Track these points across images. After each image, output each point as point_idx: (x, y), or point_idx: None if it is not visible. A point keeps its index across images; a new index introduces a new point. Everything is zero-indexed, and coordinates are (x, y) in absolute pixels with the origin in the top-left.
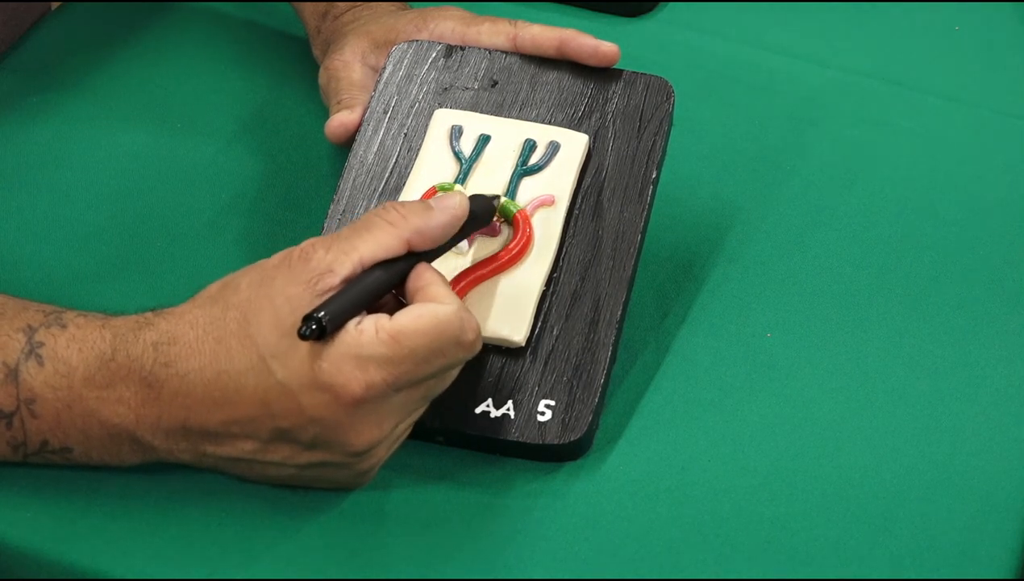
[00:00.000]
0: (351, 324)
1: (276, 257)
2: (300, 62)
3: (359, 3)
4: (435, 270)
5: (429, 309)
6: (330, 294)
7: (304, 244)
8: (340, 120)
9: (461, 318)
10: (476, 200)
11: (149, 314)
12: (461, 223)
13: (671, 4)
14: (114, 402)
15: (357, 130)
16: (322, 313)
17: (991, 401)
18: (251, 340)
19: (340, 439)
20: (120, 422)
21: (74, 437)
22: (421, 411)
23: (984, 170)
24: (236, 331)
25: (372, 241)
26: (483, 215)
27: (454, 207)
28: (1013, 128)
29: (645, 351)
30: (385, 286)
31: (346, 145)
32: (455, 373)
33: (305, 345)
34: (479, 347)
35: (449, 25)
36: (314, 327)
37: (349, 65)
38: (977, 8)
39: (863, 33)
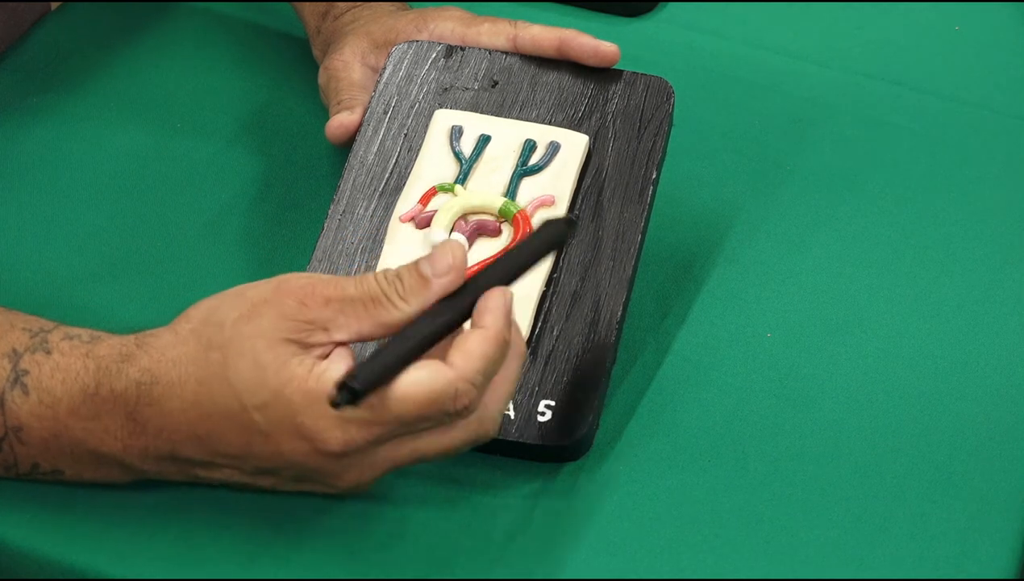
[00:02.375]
0: (334, 378)
1: (264, 288)
2: (300, 62)
3: (359, 3)
4: (497, 312)
5: (426, 377)
6: (319, 350)
7: (302, 282)
8: (340, 121)
9: (456, 389)
10: (551, 226)
11: (131, 342)
12: (461, 281)
13: (671, 4)
14: (100, 432)
15: (357, 131)
16: (356, 383)
17: (991, 401)
18: (232, 388)
19: (322, 480)
20: (108, 451)
21: (63, 462)
22: (413, 464)
23: (984, 170)
24: (217, 374)
25: (374, 320)
26: (558, 239)
27: (449, 278)
28: (1013, 128)
29: (645, 351)
30: (427, 345)
31: (346, 146)
32: (459, 449)
33: (287, 397)
34: (468, 415)
35: (449, 25)
36: (344, 396)
37: (349, 65)
38: (977, 8)
39: (863, 33)
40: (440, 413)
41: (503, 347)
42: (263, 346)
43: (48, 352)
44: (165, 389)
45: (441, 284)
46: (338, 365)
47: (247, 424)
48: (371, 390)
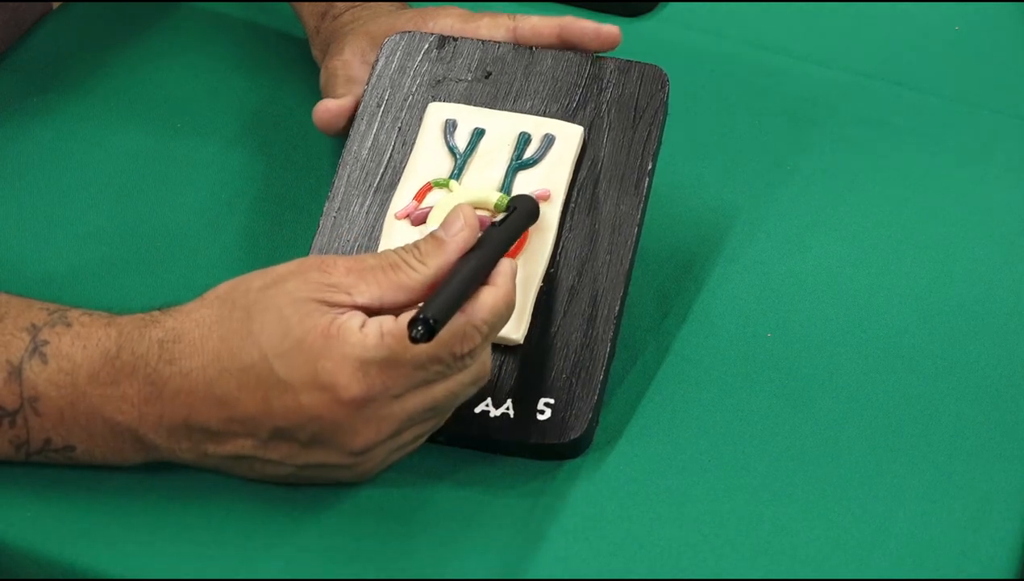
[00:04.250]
0: (355, 325)
1: (290, 263)
2: (300, 62)
3: (358, 3)
4: (507, 275)
5: None
6: (340, 310)
7: (326, 257)
8: (326, 105)
9: (464, 332)
10: (522, 200)
11: (156, 312)
12: (475, 238)
13: (671, 4)
14: (118, 399)
15: (349, 122)
16: (429, 315)
17: (991, 401)
18: (254, 338)
19: (338, 439)
20: (123, 420)
21: (77, 435)
22: (430, 424)
23: (984, 170)
24: (239, 329)
25: (394, 283)
26: (533, 211)
27: (463, 234)
28: (1013, 128)
29: (645, 351)
30: (479, 282)
31: (335, 133)
32: (465, 391)
33: (309, 343)
34: (470, 363)
35: (448, 23)
36: (420, 330)
37: (349, 64)
38: (977, 8)
39: (863, 33)
40: (449, 354)
41: (510, 307)
42: (287, 302)
43: (68, 325)
44: (187, 346)
45: (457, 242)
46: (356, 319)
47: (266, 376)
48: (445, 322)
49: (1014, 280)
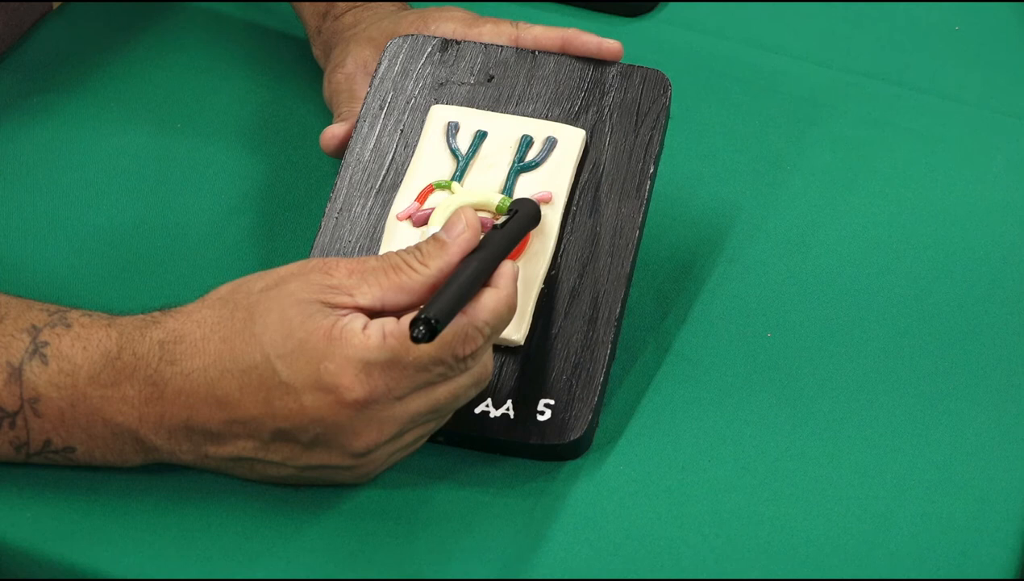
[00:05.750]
0: (358, 327)
1: (292, 265)
2: (300, 62)
3: (359, 3)
4: (508, 277)
5: None
6: (343, 311)
7: (328, 259)
8: (332, 132)
9: (467, 333)
10: (524, 204)
11: (156, 313)
12: (477, 240)
13: (671, 4)
14: (118, 401)
15: (352, 132)
16: (431, 315)
17: (991, 401)
18: (256, 339)
19: (340, 440)
20: (124, 421)
21: (77, 436)
22: (431, 426)
23: (984, 170)
24: (241, 330)
25: (396, 285)
26: (535, 215)
27: (464, 236)
28: (1013, 128)
29: (645, 351)
30: (481, 284)
31: (339, 155)
32: (467, 393)
33: (312, 345)
34: (472, 365)
35: (450, 27)
36: (422, 330)
37: (351, 77)
38: (977, 8)
39: (863, 33)
40: (451, 356)
41: (511, 310)
42: (289, 303)
43: (68, 326)
44: (188, 347)
45: (459, 243)
46: (359, 320)
47: (268, 377)
48: (447, 322)
49: (1014, 280)
